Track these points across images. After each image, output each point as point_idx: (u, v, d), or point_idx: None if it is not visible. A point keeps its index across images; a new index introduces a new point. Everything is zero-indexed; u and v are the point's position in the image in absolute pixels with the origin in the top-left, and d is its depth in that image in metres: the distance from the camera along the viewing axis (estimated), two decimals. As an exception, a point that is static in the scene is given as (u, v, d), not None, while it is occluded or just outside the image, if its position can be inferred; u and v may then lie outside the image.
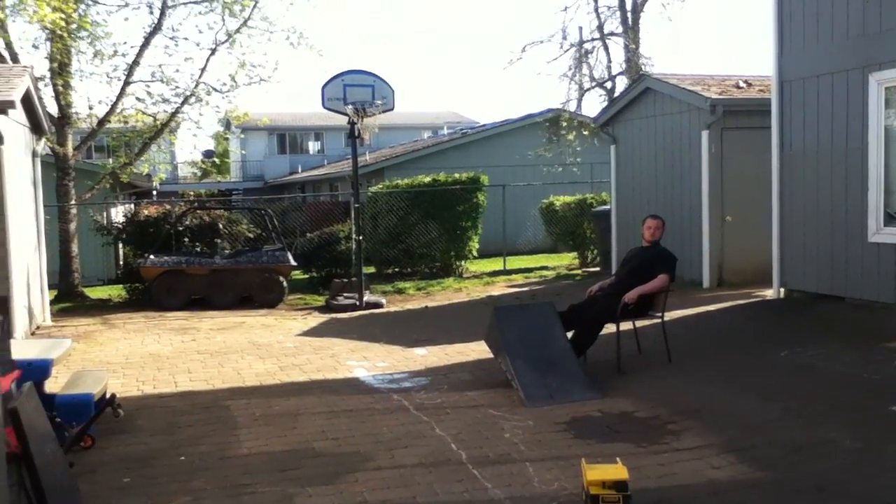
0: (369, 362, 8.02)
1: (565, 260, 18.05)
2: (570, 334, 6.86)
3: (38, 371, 5.35)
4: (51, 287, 12.39)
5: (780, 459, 4.56)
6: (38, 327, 10.74)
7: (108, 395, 5.75)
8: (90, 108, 15.66)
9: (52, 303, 12.57)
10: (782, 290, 9.78)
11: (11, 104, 8.91)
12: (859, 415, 5.28)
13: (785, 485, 4.19)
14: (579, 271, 16.04)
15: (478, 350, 7.91)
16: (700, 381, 6.42)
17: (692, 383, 6.35)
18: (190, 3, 15.51)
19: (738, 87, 12.29)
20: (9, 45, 13.93)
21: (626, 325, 7.14)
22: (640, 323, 7.38)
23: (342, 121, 13.38)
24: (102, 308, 13.33)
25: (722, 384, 6.27)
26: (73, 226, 14.78)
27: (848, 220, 8.79)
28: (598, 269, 15.61)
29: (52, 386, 5.96)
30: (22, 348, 5.86)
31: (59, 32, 12.82)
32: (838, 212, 8.92)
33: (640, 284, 6.90)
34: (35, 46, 14.50)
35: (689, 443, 4.90)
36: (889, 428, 5.00)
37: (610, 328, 6.97)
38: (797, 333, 7.92)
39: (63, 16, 12.16)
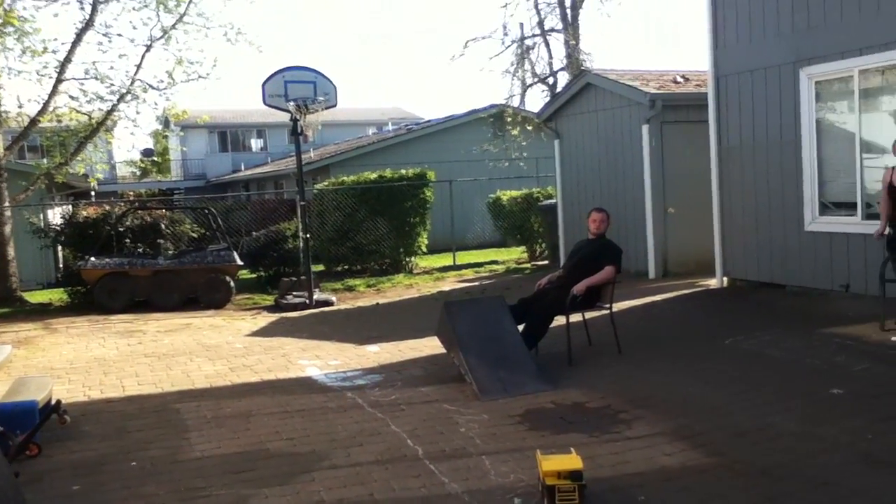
0: (321, 361, 7.97)
1: (514, 254, 18.22)
2: (521, 328, 6.94)
3: (-23, 380, 5.19)
4: (-14, 292, 11.99)
5: (727, 445, 4.69)
6: (-27, 334, 10.38)
7: (53, 402, 5.60)
8: (20, 106, 15.17)
9: (-12, 309, 12.16)
10: (725, 279, 10.06)
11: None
12: (801, 398, 5.47)
13: (733, 469, 4.32)
14: (528, 265, 16.20)
15: (430, 345, 7.93)
16: (649, 370, 6.56)
17: (641, 372, 6.49)
18: (123, -2, 15.13)
19: (675, 81, 12.57)
20: (-68, 43, 13.41)
21: (575, 317, 7.25)
22: (589, 314, 7.50)
23: (285, 118, 13.24)
24: (43, 312, 12.95)
25: (670, 372, 6.42)
26: (7, 229, 14.31)
27: (785, 211, 9.08)
28: (546, 262, 15.79)
29: (-7, 394, 5.77)
30: (-41, 357, 5.68)
31: (-17, 28, 12.39)
32: (776, 203, 9.22)
33: (587, 276, 7.02)
34: (-40, 42, 13.99)
35: (640, 431, 5.01)
36: (829, 410, 5.20)
37: (560, 320, 7.06)
38: (741, 321, 8.16)
39: (-14, 10, 11.76)
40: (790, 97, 8.93)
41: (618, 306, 7.65)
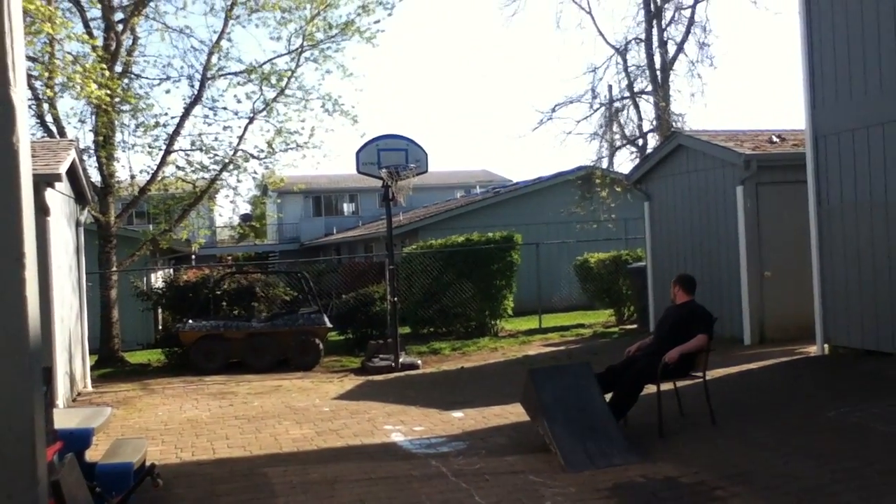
0: (406, 426, 7.95)
1: (602, 317, 17.88)
2: (608, 396, 6.75)
3: (79, 441, 5.39)
4: (92, 352, 12.57)
5: (833, 528, 4.39)
6: (79, 394, 10.87)
7: (147, 464, 5.75)
8: (132, 177, 16.13)
9: (93, 368, 12.73)
10: (826, 346, 9.55)
11: (58, 177, 9.21)
12: (915, 479, 5.08)
13: (840, 555, 4.02)
14: (616, 329, 15.86)
15: (515, 412, 7.80)
16: (746, 443, 6.24)
17: (738, 446, 6.18)
18: (229, 74, 16.03)
19: (771, 141, 12.26)
20: (56, 120, 14.52)
21: (666, 386, 7.00)
22: (681, 383, 7.23)
23: (376, 182, 13.56)
24: (142, 373, 13.47)
25: (769, 446, 6.09)
26: (114, 292, 15.05)
27: (891, 274, 8.61)
28: (635, 326, 15.41)
29: (93, 454, 5.98)
30: (64, 417, 5.92)
31: (104, 107, 13.30)
32: (881, 266, 8.76)
33: (678, 344, 6.79)
34: (81, 121, 15.08)
35: (737, 510, 4.74)
36: (948, 493, 4.80)
37: (650, 389, 6.84)
38: (845, 392, 7.70)
39: (108, 91, 12.64)
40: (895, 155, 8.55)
41: (711, 374, 7.36)
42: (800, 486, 5.12)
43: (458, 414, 8.46)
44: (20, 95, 2.18)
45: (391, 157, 12.99)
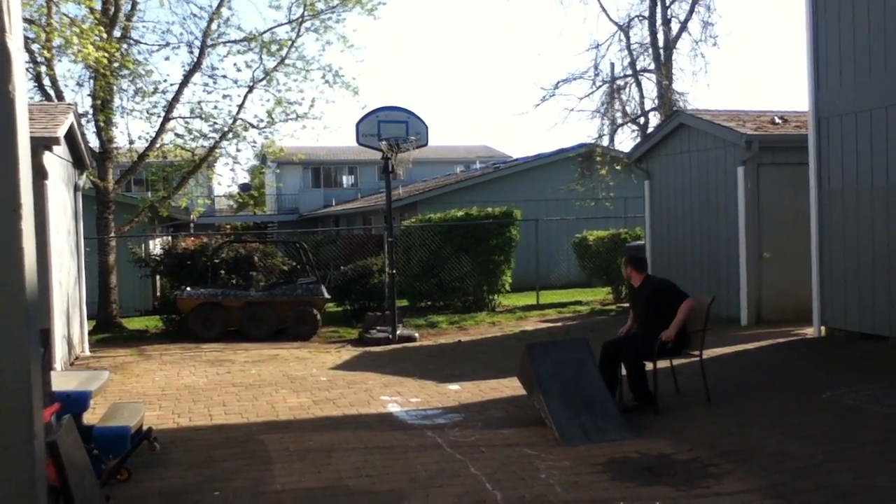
0: (403, 397, 7.98)
1: (599, 295, 17.92)
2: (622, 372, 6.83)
3: (76, 403, 5.40)
4: (90, 317, 12.58)
5: (826, 506, 4.42)
6: (76, 358, 10.89)
7: (144, 428, 5.78)
8: (131, 143, 16.02)
9: (91, 333, 12.74)
10: (823, 328, 9.58)
11: (56, 141, 9.14)
12: (908, 460, 5.11)
13: (832, 533, 4.06)
14: (613, 306, 15.89)
15: (511, 386, 7.84)
16: (741, 422, 6.28)
17: (733, 424, 6.21)
18: (229, 42, 15.88)
19: (773, 123, 12.20)
20: (54, 83, 14.37)
21: (663, 364, 7.02)
22: (677, 361, 7.27)
23: (376, 155, 13.52)
24: (140, 339, 13.49)
25: (763, 425, 6.13)
26: (112, 258, 15.03)
27: (891, 258, 8.61)
28: (632, 304, 15.44)
29: (90, 417, 6.00)
30: (61, 380, 5.94)
31: (102, 71, 13.18)
32: (880, 249, 8.75)
33: (663, 323, 6.79)
34: (79, 84, 14.94)
35: (731, 487, 4.77)
36: (940, 474, 4.83)
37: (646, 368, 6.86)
38: (840, 374, 7.73)
39: (106, 55, 12.51)
40: (897, 139, 8.51)
41: (707, 354, 7.38)
42: (794, 464, 5.15)
43: (454, 387, 8.49)
44: (16, 43, 2.14)
45: (391, 129, 12.95)
